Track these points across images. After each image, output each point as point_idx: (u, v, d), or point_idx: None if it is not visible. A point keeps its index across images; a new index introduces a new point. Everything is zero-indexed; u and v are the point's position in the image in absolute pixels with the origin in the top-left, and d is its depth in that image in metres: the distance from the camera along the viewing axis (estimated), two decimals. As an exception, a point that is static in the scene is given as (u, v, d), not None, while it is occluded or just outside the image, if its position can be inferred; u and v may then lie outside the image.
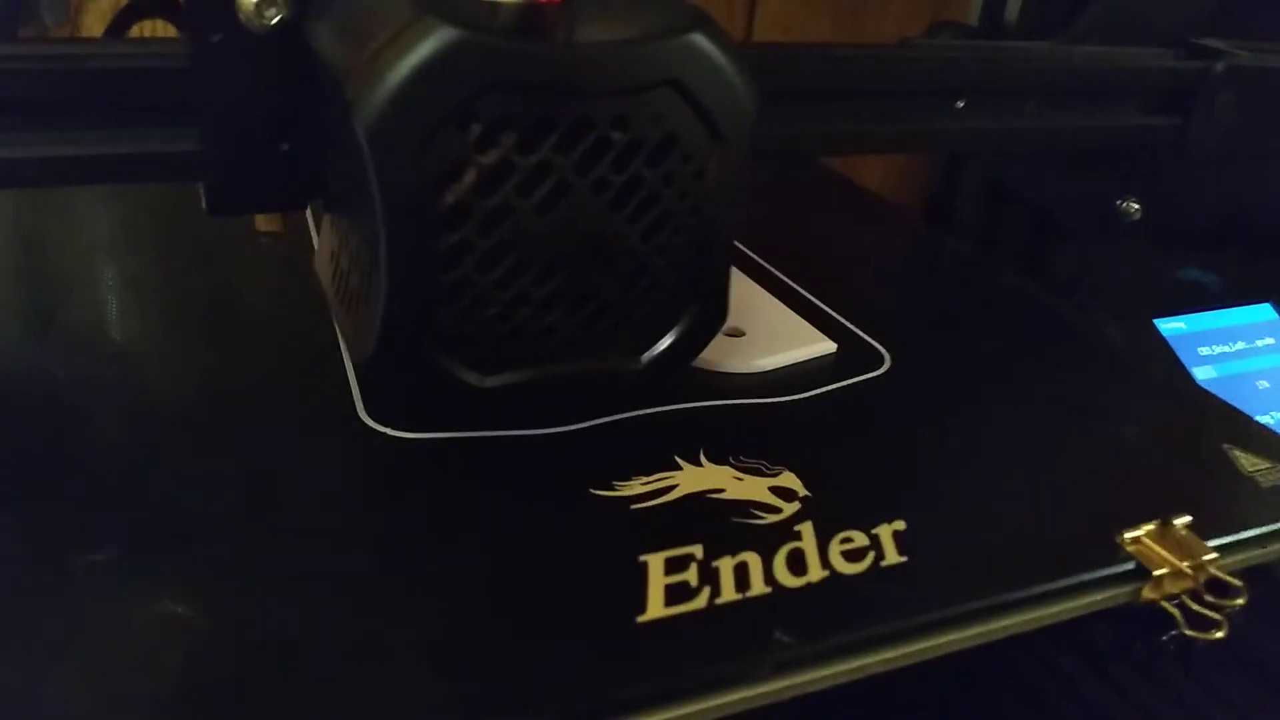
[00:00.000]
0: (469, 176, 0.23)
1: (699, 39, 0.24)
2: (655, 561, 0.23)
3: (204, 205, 0.26)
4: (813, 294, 0.38)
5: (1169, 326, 0.54)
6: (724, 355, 0.32)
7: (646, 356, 0.27)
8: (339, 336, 0.29)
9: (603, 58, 0.23)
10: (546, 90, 0.23)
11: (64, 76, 0.24)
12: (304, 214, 0.35)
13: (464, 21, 0.22)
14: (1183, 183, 0.49)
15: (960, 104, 0.38)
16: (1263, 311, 0.58)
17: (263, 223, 0.27)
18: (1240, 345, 0.56)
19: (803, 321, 0.35)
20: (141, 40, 0.29)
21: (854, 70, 0.36)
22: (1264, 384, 0.55)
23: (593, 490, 0.26)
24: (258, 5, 0.24)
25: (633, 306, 0.26)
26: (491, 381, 0.26)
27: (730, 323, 0.33)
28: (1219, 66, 0.44)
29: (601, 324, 0.26)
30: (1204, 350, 0.55)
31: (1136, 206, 0.51)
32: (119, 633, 0.20)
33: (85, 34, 0.53)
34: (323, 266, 0.28)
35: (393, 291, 0.23)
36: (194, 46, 0.24)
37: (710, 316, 0.28)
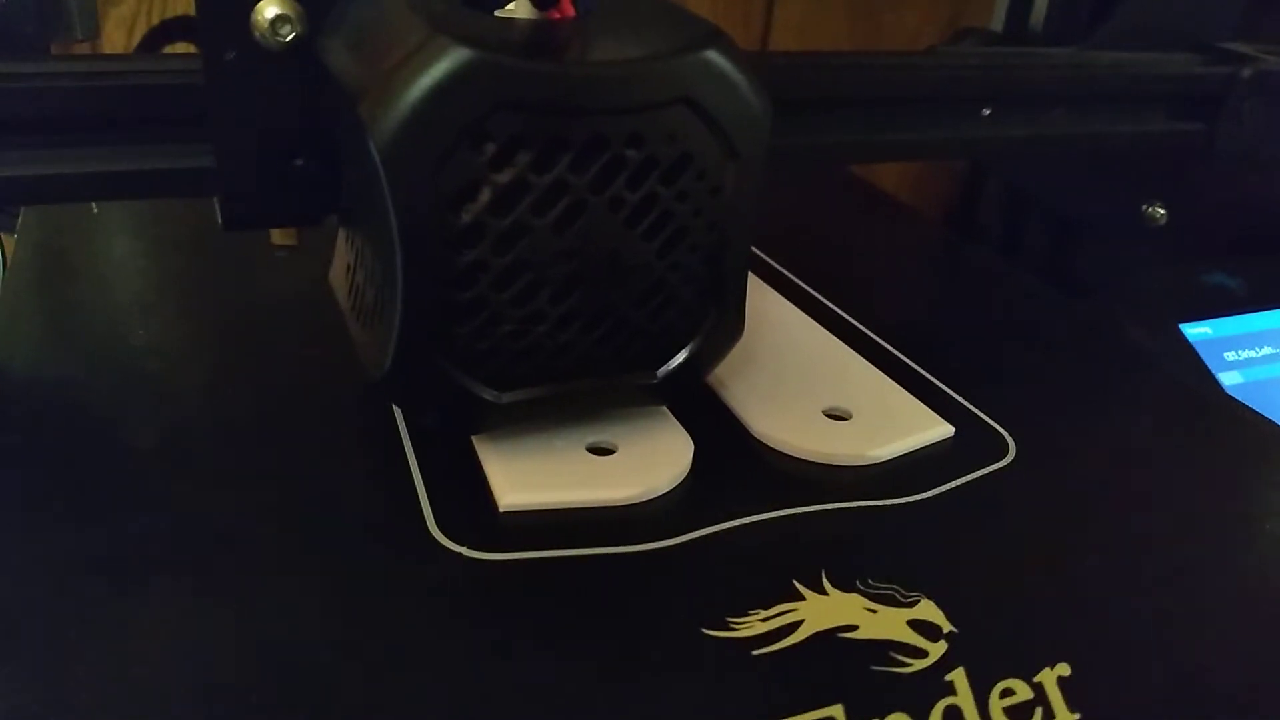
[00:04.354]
0: (484, 196, 0.23)
1: (713, 55, 0.24)
2: None
3: (220, 220, 0.26)
4: (915, 361, 0.34)
5: (1195, 331, 0.53)
6: (833, 443, 0.29)
7: (662, 371, 0.27)
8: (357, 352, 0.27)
9: (615, 76, 0.23)
10: (560, 109, 0.22)
11: (81, 94, 0.24)
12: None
13: (477, 40, 0.22)
14: (1208, 187, 0.48)
15: (987, 111, 0.38)
16: (1289, 316, 0.57)
17: (278, 236, 0.27)
18: (1267, 350, 0.55)
19: (913, 400, 0.31)
20: (158, 57, 0.29)
21: (881, 79, 0.36)
22: (1290, 390, 0.55)
23: (705, 630, 0.22)
24: (272, 23, 0.24)
25: (648, 322, 0.26)
26: (508, 398, 0.25)
27: (834, 402, 0.31)
28: (1245, 71, 0.44)
29: (616, 340, 0.26)
30: (1230, 355, 0.54)
31: (1162, 211, 0.51)
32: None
33: (106, 43, 0.53)
34: (338, 281, 0.28)
35: (408, 309, 0.23)
36: (209, 64, 0.24)
37: (727, 329, 0.28)
